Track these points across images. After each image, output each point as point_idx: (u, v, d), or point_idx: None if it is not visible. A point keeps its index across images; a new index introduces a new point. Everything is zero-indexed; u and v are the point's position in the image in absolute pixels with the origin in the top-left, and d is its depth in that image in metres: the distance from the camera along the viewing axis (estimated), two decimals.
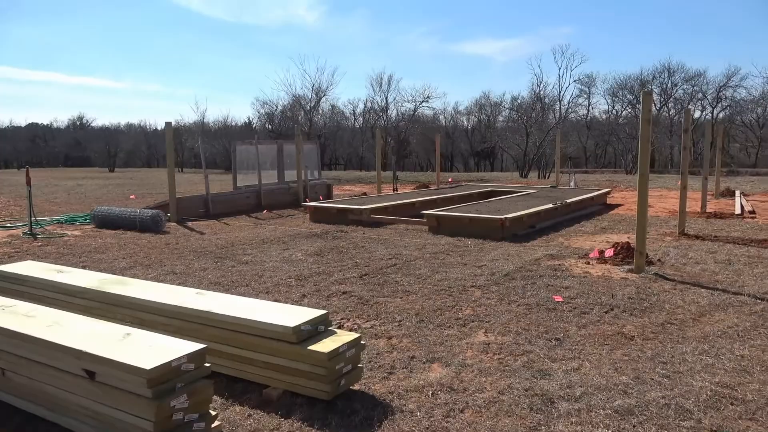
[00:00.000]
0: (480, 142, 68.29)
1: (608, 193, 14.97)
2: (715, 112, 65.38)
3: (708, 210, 12.89)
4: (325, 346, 3.27)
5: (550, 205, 11.14)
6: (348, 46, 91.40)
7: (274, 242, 9.08)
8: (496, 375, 3.75)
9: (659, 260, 7.29)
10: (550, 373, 3.76)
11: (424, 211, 10.17)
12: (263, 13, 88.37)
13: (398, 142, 78.07)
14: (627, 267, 6.81)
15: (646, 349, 4.20)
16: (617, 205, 14.48)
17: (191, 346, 2.83)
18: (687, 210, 13.29)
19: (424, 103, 43.81)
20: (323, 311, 3.55)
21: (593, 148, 70.74)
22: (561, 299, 5.45)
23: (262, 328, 3.37)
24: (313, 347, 3.25)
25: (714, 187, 16.54)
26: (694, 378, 3.67)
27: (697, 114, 66.24)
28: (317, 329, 3.42)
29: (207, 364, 2.87)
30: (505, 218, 9.18)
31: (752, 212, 12.77)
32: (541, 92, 57.25)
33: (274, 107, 55.69)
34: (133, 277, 6.62)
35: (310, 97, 34.25)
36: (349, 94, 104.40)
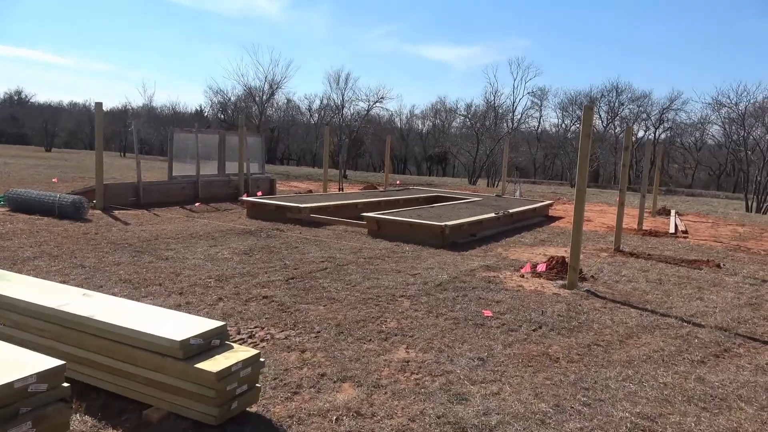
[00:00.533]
0: (433, 147, 68.87)
1: (550, 205, 15.11)
2: (657, 132, 68.27)
3: (644, 227, 13.16)
4: (215, 363, 2.90)
5: (492, 215, 11.05)
6: (308, 40, 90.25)
7: (203, 237, 8.56)
8: (410, 398, 3.47)
9: (593, 276, 7.25)
10: (467, 397, 3.52)
11: (365, 214, 9.86)
12: (223, 0, 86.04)
13: (352, 141, 77.70)
14: (560, 282, 6.71)
15: (569, 373, 4.03)
16: (558, 218, 14.62)
17: (46, 363, 2.41)
18: (624, 226, 13.57)
19: (377, 104, 43.14)
20: (220, 323, 3.17)
21: (542, 159, 72.56)
22: (490, 314, 5.25)
23: (146, 341, 2.97)
24: (201, 365, 2.87)
25: (652, 205, 17.00)
26: (615, 407, 3.51)
27: (641, 134, 69.01)
28: (210, 343, 3.04)
29: (65, 384, 2.45)
30: (446, 225, 8.99)
31: (685, 232, 13.13)
32: (495, 102, 58.16)
33: (227, 97, 54.19)
34: (35, 269, 6.03)
35: (263, 88, 33.32)
36: (306, 89, 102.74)
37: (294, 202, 11.13)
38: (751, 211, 21.06)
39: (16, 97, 78.97)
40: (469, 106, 59.38)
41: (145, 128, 45.21)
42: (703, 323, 5.48)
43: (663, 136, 68.35)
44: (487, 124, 53.97)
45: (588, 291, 6.45)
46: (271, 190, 15.67)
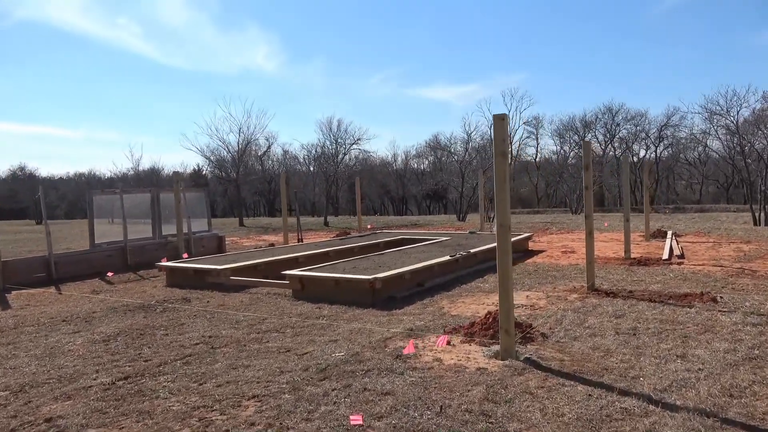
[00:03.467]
0: (432, 185, 67.79)
1: (529, 238, 13.47)
2: (658, 150, 66.73)
3: (634, 255, 11.48)
4: None
5: (447, 258, 9.46)
6: (307, 92, 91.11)
7: (75, 320, 7.03)
8: None
9: (542, 335, 5.59)
10: None
11: (287, 272, 8.32)
12: (222, 61, 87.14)
13: (349, 186, 76.89)
14: (496, 348, 5.07)
15: None
16: (539, 252, 12.97)
17: None
18: (611, 255, 11.88)
19: (354, 146, 42.16)
20: None
21: (544, 188, 71.06)
22: (360, 421, 3.61)
23: None
24: None
25: (648, 228, 15.28)
26: None
27: (642, 153, 67.52)
28: None
29: None
30: (376, 279, 7.41)
31: (681, 256, 11.42)
32: (491, 135, 57.17)
33: (222, 154, 53.69)
34: None
35: (237, 140, 32.39)
36: (305, 139, 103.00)
37: (216, 263, 9.62)
38: (760, 224, 19.21)
39: (20, 173, 79.18)
40: (466, 142, 58.34)
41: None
42: (678, 403, 3.80)
43: (665, 153, 66.83)
44: (484, 156, 52.93)
45: (527, 360, 4.79)
46: (219, 248, 14.22)
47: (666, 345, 5.17)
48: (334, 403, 3.95)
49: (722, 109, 22.53)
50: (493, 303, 7.34)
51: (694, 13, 78.65)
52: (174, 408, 3.96)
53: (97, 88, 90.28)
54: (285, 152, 66.12)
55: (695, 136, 50.21)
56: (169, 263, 9.87)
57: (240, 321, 6.65)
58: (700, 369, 4.46)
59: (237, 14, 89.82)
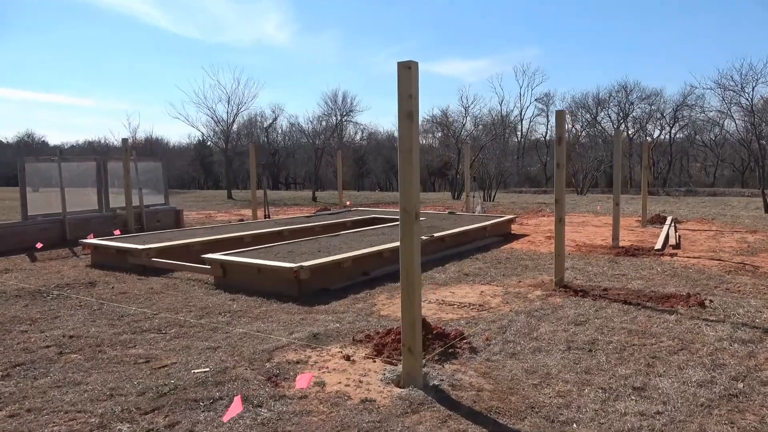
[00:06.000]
0: (437, 162, 66.30)
1: (512, 221, 12.25)
2: (673, 131, 64.50)
3: (624, 243, 10.25)
4: None
5: None
6: (319, 65, 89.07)
7: None
8: None
9: (472, 348, 4.44)
10: None
11: (207, 256, 7.21)
12: (234, 31, 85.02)
13: (354, 160, 75.60)
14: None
15: None
16: (521, 236, 11.76)
17: None
18: (601, 243, 10.66)
19: (346, 118, 40.70)
20: None
21: (554, 167, 69.18)
22: None
23: None
24: None
25: (645, 213, 13.97)
26: None
27: (656, 133, 65.30)
28: None
29: None
30: (300, 268, 6.28)
31: (677, 245, 10.16)
32: (502, 111, 55.43)
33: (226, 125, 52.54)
34: None
35: (227, 111, 31.16)
36: (318, 112, 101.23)
37: (137, 243, 8.52)
38: None
39: (28, 139, 78.26)
40: (463, 116, 56.54)
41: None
42: None
43: (680, 135, 64.55)
44: (495, 133, 51.40)
45: (434, 388, 3.65)
46: (176, 223, 13.15)
47: (625, 369, 4.01)
48: None
49: (736, 85, 20.82)
50: (437, 299, 6.20)
51: None
52: None
53: (108, 57, 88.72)
54: (291, 125, 64.62)
55: (710, 119, 47.84)
56: (93, 240, 8.81)
57: (125, 315, 5.57)
58: (658, 413, 3.30)
59: None
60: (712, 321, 5.25)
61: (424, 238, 8.82)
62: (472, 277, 7.50)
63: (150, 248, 7.96)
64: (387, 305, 6.00)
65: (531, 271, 7.93)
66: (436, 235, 9.15)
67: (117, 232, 10.14)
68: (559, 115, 6.69)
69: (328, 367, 4.04)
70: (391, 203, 23.33)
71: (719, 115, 47.59)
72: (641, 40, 79.91)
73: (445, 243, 9.43)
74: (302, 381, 3.48)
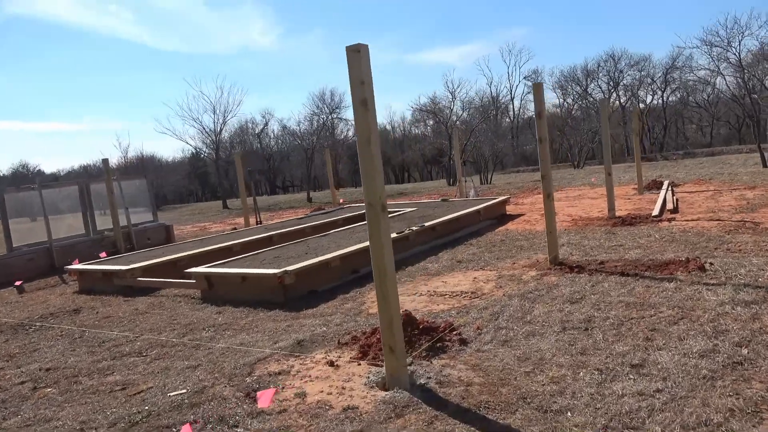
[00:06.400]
0: (431, 150, 66.02)
1: (506, 201, 12.02)
2: (665, 95, 63.98)
3: (621, 213, 10.02)
4: None
5: (392, 236, 8.07)
6: (307, 65, 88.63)
7: None
8: None
9: (462, 340, 4.22)
10: None
11: (191, 270, 7.01)
12: (219, 41, 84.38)
13: (349, 157, 75.28)
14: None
15: None
16: (517, 216, 11.54)
17: None
18: (597, 215, 10.43)
19: (333, 115, 40.39)
20: None
21: (550, 143, 68.90)
22: None
23: None
24: None
25: (641, 180, 13.72)
26: None
27: (648, 99, 64.83)
28: None
29: None
30: (285, 273, 6.08)
31: (675, 210, 9.94)
32: (492, 93, 55.01)
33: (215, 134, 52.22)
34: None
35: (213, 120, 30.92)
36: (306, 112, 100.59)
37: (126, 263, 8.33)
38: None
39: (21, 170, 77.98)
40: (469, 102, 55.99)
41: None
42: None
43: (673, 98, 64.02)
44: (483, 115, 51.08)
45: (421, 388, 3.45)
46: (167, 239, 12.96)
47: (622, 346, 3.80)
48: None
49: (723, 41, 20.49)
50: (428, 291, 5.99)
51: None
52: None
53: (95, 79, 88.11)
54: (284, 127, 64.26)
55: (701, 78, 47.24)
56: (78, 266, 8.61)
57: (106, 341, 5.38)
58: (657, 391, 3.09)
59: None
60: (713, 285, 5.03)
61: (413, 228, 8.62)
62: (465, 264, 7.29)
63: (134, 268, 7.76)
64: (376, 302, 5.78)
65: (526, 252, 7.71)
66: (426, 224, 8.93)
67: (103, 254, 9.95)
68: (536, 88, 6.45)
69: (310, 376, 3.85)
70: (388, 196, 23.14)
71: (710, 74, 47.00)
72: (625, 7, 79.32)
73: (436, 232, 9.21)
74: (264, 399, 3.27)
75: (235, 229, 15.23)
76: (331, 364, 4.00)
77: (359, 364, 3.96)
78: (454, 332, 4.39)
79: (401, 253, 8.14)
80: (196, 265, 7.77)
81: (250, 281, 6.40)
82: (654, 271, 5.77)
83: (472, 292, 5.75)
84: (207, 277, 6.77)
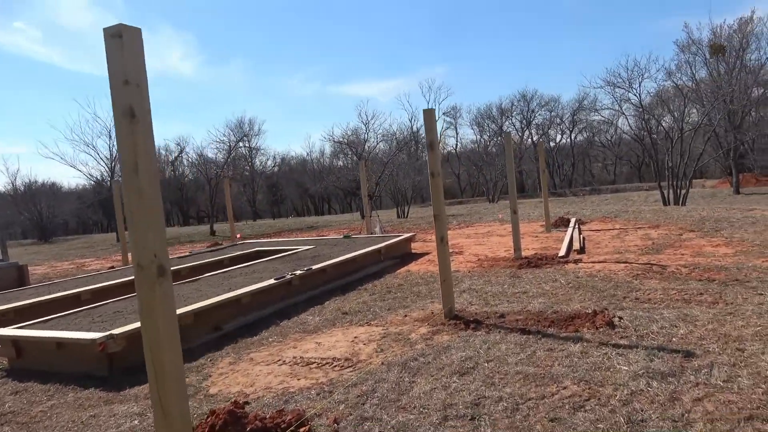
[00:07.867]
0: (351, 184, 65.55)
1: (410, 239, 11.17)
2: (573, 135, 67.37)
3: (528, 253, 9.41)
4: None
5: (269, 283, 6.90)
6: (229, 94, 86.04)
7: None
8: None
9: None
10: None
11: None
12: None
13: (268, 187, 73.14)
14: None
15: None
16: (422, 255, 10.69)
17: None
18: (504, 254, 9.78)
19: (240, 143, 39.00)
20: None
21: (467, 177, 70.38)
22: None
23: None
24: None
25: (548, 218, 13.39)
26: None
27: (558, 137, 68.04)
28: None
29: None
30: (110, 337, 4.72)
31: (581, 250, 9.45)
32: (413, 127, 55.42)
33: (110, 161, 48.46)
34: None
35: (109, 145, 28.48)
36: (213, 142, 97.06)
37: None
38: (669, 203, 17.99)
39: None
40: (392, 135, 55.94)
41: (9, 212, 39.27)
42: None
43: (579, 137, 67.59)
44: (398, 148, 51.07)
45: None
46: (20, 281, 10.99)
47: None
48: None
49: (624, 82, 21.36)
50: (293, 358, 4.84)
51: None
52: None
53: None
54: (200, 155, 61.39)
55: (605, 119, 50.19)
56: None
57: None
58: None
59: (146, 14, 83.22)
60: (623, 347, 4.25)
61: (297, 273, 7.47)
62: (350, 317, 6.21)
63: None
64: (225, 374, 4.57)
65: (422, 300, 6.77)
66: (315, 267, 7.81)
67: None
68: (428, 114, 5.56)
69: None
70: (296, 230, 21.83)
71: (613, 114, 49.89)
72: (538, 51, 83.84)
73: (327, 275, 8.12)
74: None
75: (112, 267, 13.42)
76: None
77: None
78: (303, 429, 3.26)
79: (280, 302, 6.97)
80: (27, 320, 6.19)
81: (67, 348, 4.97)
82: (558, 328, 4.96)
83: (346, 359, 4.66)
84: (14, 341, 5.26)
